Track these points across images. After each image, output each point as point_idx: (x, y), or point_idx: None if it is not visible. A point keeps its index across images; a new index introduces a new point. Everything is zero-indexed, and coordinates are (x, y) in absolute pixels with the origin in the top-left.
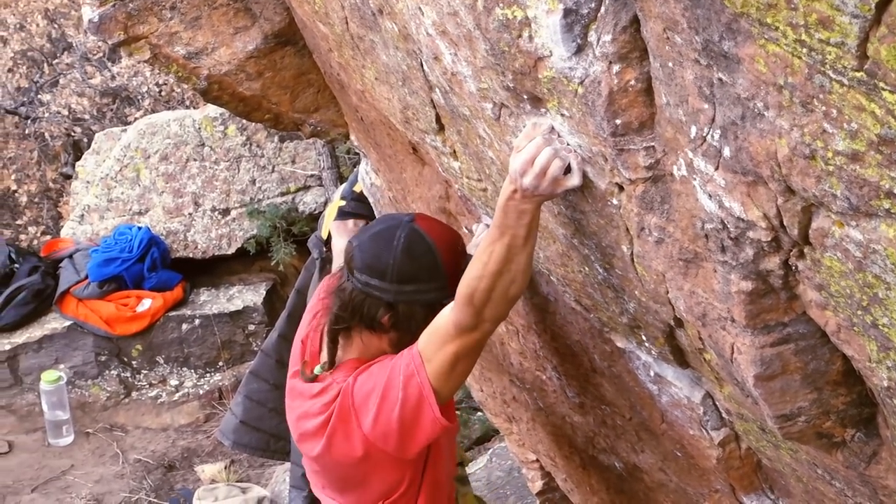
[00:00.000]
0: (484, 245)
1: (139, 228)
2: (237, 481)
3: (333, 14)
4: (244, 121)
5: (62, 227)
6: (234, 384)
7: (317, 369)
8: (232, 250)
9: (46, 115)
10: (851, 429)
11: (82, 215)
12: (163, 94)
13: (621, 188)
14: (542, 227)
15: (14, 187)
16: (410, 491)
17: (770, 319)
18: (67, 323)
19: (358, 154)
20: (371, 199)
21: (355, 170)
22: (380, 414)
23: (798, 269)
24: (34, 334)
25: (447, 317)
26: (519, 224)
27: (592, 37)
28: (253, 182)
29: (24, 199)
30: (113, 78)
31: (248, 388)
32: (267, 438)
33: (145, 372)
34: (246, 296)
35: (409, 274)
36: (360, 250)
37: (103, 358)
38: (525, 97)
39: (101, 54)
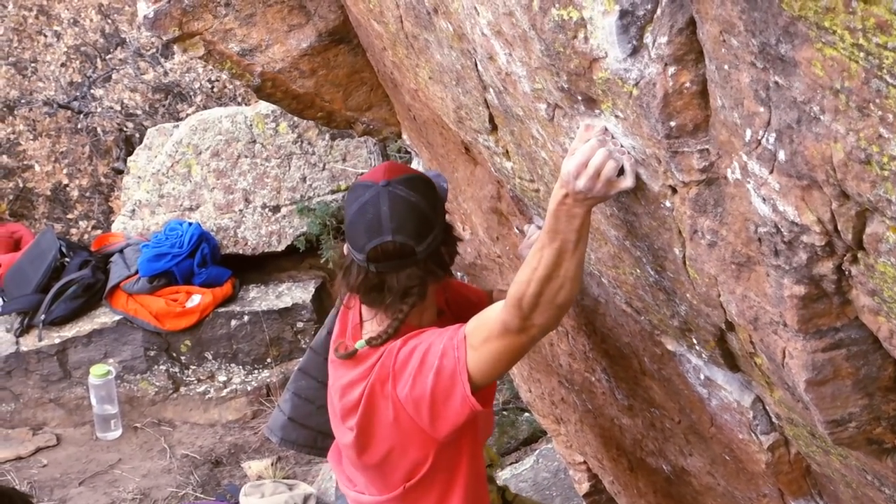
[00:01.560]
0: (534, 250)
1: (190, 224)
2: (284, 478)
3: (388, 12)
4: (296, 118)
5: (113, 221)
6: (282, 381)
7: (358, 344)
8: (282, 247)
9: (99, 110)
10: None
11: (133, 210)
12: (215, 90)
13: (674, 190)
14: (594, 228)
15: (66, 182)
16: (442, 477)
17: (822, 324)
18: (117, 317)
19: (409, 153)
20: None
21: None
22: (416, 380)
23: (851, 274)
24: (84, 328)
25: (497, 314)
26: (569, 229)
27: (648, 38)
28: (304, 179)
29: (75, 193)
30: (165, 74)
31: (297, 385)
32: (314, 435)
33: (194, 367)
34: (295, 293)
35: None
36: (400, 231)
37: (152, 353)
38: (579, 98)
39: (154, 50)
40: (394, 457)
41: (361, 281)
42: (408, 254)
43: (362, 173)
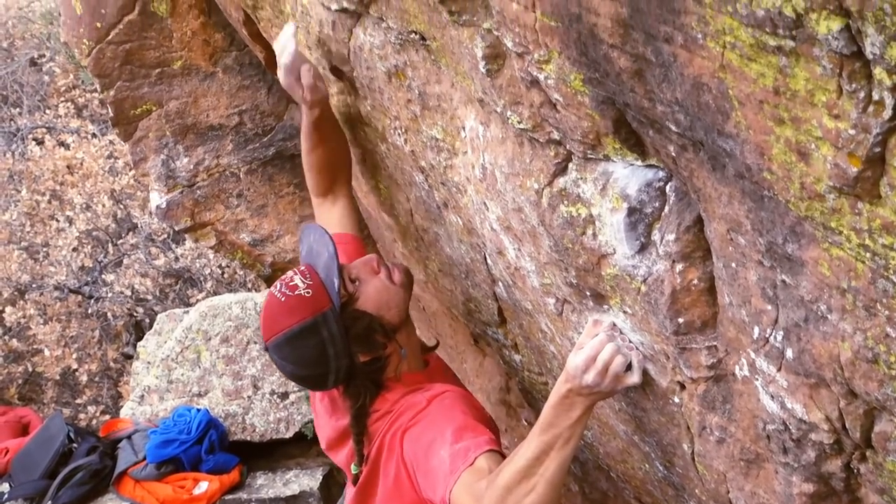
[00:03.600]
0: (524, 443)
1: (198, 410)
2: None
3: (399, 206)
4: None
5: (122, 407)
6: None
7: (353, 469)
8: (289, 434)
9: (109, 295)
10: None
11: (142, 396)
12: (225, 275)
13: (683, 387)
14: (602, 422)
15: (75, 366)
16: None
17: None
18: None
19: None
20: None
21: None
22: (424, 453)
23: (860, 472)
24: None
25: (487, 478)
26: (565, 424)
27: (656, 235)
28: None
29: (84, 378)
30: (176, 259)
31: None
32: None
33: None
34: (302, 480)
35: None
36: (301, 382)
37: None
38: (588, 293)
39: (165, 235)
40: None
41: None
42: (324, 388)
43: None
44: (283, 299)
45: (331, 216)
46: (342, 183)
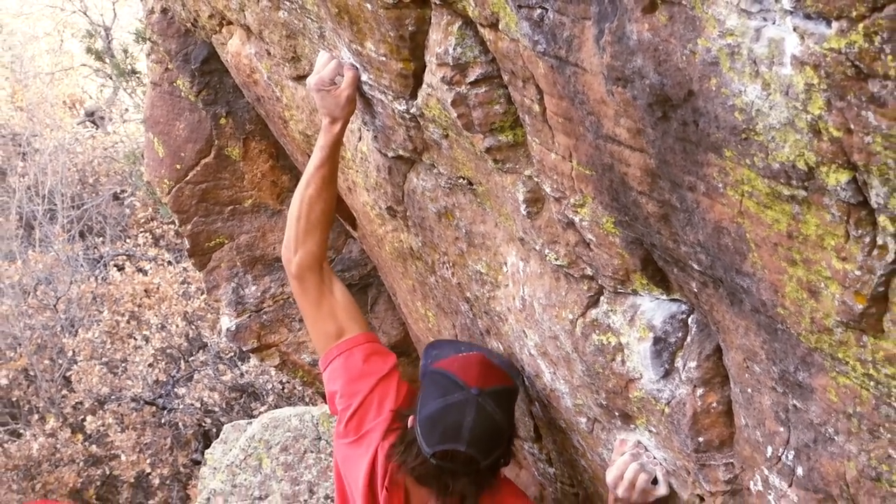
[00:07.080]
0: None
1: None
2: None
3: (445, 332)
4: None
5: None
6: None
7: None
8: None
9: (181, 406)
10: None
11: (208, 498)
12: (285, 390)
13: (702, 499)
14: None
15: (148, 470)
16: None
17: None
18: None
19: None
20: None
21: None
22: None
23: None
24: None
25: None
26: None
27: (679, 362)
28: None
29: (156, 481)
30: (242, 375)
31: None
32: None
33: None
34: None
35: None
36: (475, 444)
37: None
38: (616, 414)
39: (232, 354)
40: None
41: (418, 465)
42: (472, 464)
43: None
44: (490, 360)
45: (344, 307)
46: (326, 259)
